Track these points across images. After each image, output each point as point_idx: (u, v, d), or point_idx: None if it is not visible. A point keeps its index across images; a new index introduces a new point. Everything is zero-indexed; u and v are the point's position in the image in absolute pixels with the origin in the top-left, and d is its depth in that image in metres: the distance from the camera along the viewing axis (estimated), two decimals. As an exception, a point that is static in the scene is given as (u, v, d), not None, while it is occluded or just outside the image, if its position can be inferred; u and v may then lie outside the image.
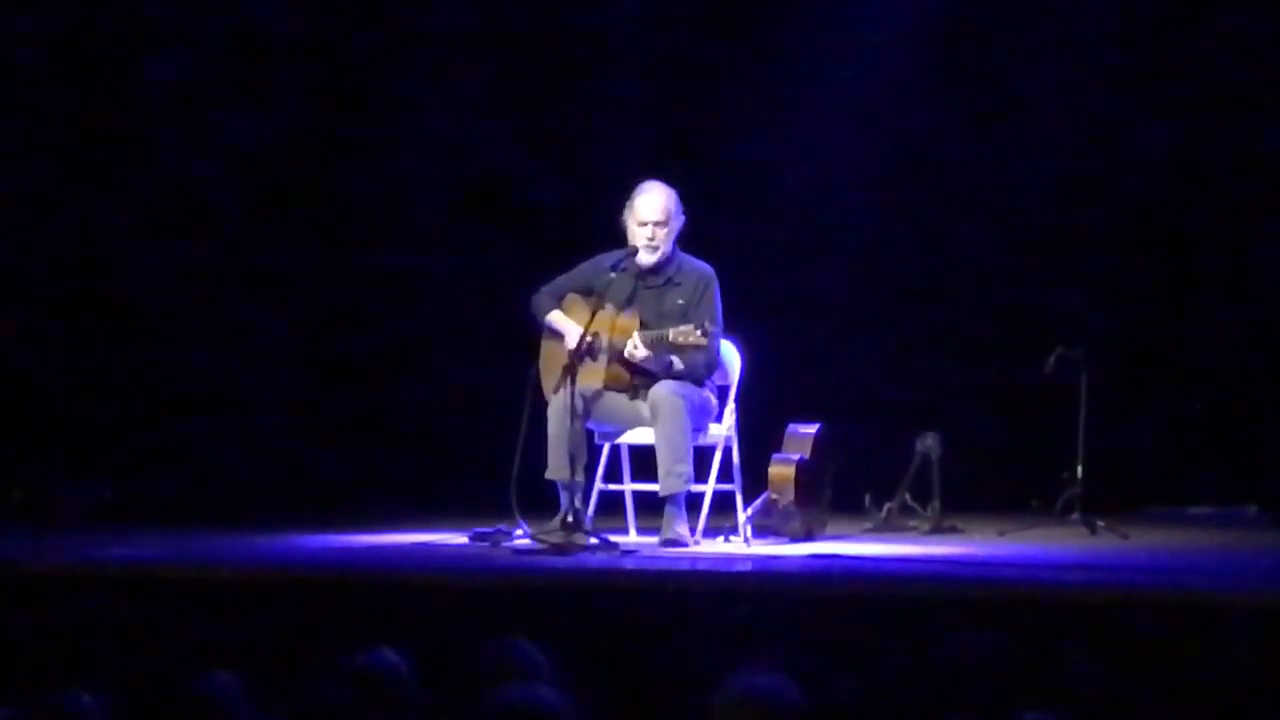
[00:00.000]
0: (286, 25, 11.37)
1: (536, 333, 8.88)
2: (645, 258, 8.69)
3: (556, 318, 8.80)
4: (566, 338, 8.65)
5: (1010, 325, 10.96)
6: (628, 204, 8.73)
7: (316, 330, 11.49)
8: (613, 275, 8.68)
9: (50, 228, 11.14)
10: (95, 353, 11.11)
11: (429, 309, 11.39)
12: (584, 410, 8.55)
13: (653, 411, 8.54)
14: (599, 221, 9.05)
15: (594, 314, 8.53)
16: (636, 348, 8.50)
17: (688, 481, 8.52)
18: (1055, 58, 11.05)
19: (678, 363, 8.58)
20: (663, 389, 8.54)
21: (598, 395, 8.63)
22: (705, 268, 8.77)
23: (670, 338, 8.43)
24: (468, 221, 11.39)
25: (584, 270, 8.86)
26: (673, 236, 8.71)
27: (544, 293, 8.89)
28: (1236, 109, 10.84)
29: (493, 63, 11.42)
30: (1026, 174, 11.12)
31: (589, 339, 8.55)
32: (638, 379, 8.66)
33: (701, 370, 8.66)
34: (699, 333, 8.34)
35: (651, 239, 8.66)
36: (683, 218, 8.73)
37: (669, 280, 8.75)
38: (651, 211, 8.67)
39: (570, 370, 8.40)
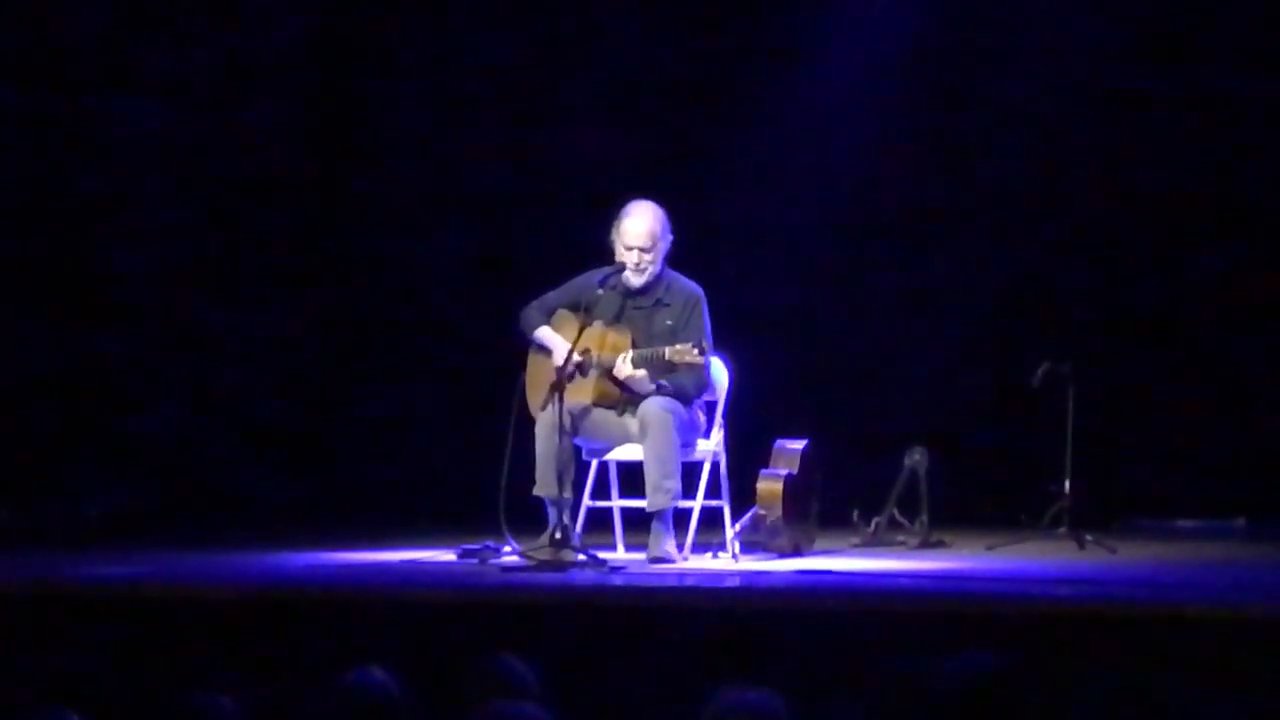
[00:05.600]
0: (282, 31, 11.39)
1: (525, 347, 8.87)
2: (634, 279, 8.68)
3: (545, 333, 8.78)
4: (555, 354, 8.64)
5: (998, 339, 10.96)
6: (615, 223, 8.71)
7: (303, 346, 11.47)
8: (600, 292, 8.67)
9: (36, 240, 11.14)
10: (80, 368, 11.09)
11: (417, 323, 11.38)
12: (572, 426, 8.54)
13: (642, 427, 8.53)
14: (587, 235, 9.05)
15: (581, 330, 8.53)
16: (625, 363, 8.49)
17: (676, 497, 8.51)
18: (1045, 66, 11.05)
19: (666, 384, 8.57)
20: (653, 404, 8.53)
21: (586, 411, 8.62)
22: (694, 288, 8.76)
23: (666, 356, 8.43)
24: (456, 233, 11.39)
25: (573, 286, 8.83)
26: (661, 256, 8.71)
27: (533, 307, 8.87)
28: (1227, 122, 10.86)
29: (485, 67, 11.44)
30: (1013, 189, 11.13)
31: (579, 356, 8.55)
32: (627, 395, 8.65)
33: (690, 391, 8.64)
34: (695, 351, 8.34)
35: (638, 263, 8.65)
36: (670, 236, 8.72)
37: (658, 301, 8.74)
38: (638, 237, 8.64)
39: (558, 387, 8.39)
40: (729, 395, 8.92)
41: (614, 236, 8.71)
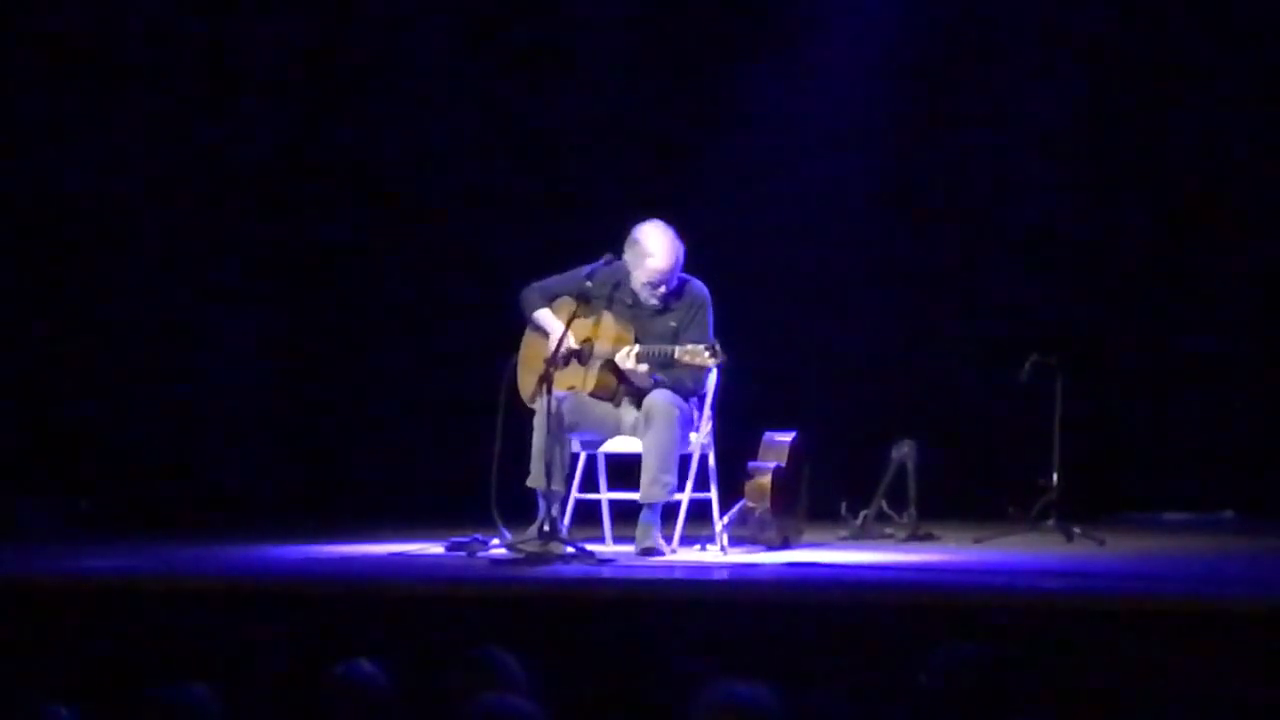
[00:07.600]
0: (274, 30, 11.39)
1: (520, 330, 8.83)
2: (651, 301, 8.65)
3: (544, 315, 8.75)
4: (550, 338, 8.63)
5: (986, 332, 10.97)
6: (631, 246, 8.63)
7: (292, 337, 11.47)
8: (589, 284, 8.64)
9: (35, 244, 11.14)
10: (70, 361, 11.08)
11: (407, 316, 11.38)
12: (567, 418, 8.51)
13: (646, 418, 8.50)
14: (583, 235, 9.04)
15: (571, 319, 8.51)
16: (629, 357, 8.47)
17: (671, 491, 8.50)
18: (1036, 64, 11.05)
19: (664, 379, 8.56)
20: (660, 397, 8.50)
21: (581, 402, 8.59)
22: (700, 290, 8.72)
23: (675, 355, 8.40)
24: (450, 232, 11.38)
25: (573, 276, 8.77)
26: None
27: (535, 289, 8.82)
28: (1218, 120, 10.87)
29: (481, 66, 11.44)
30: (1002, 183, 11.14)
31: (579, 346, 8.55)
32: (625, 387, 8.64)
33: (690, 389, 8.64)
34: (707, 354, 8.31)
35: (657, 291, 8.64)
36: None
37: (665, 306, 8.73)
38: (663, 274, 8.60)
39: (547, 376, 8.37)
40: (717, 388, 8.92)
41: (627, 255, 8.65)
